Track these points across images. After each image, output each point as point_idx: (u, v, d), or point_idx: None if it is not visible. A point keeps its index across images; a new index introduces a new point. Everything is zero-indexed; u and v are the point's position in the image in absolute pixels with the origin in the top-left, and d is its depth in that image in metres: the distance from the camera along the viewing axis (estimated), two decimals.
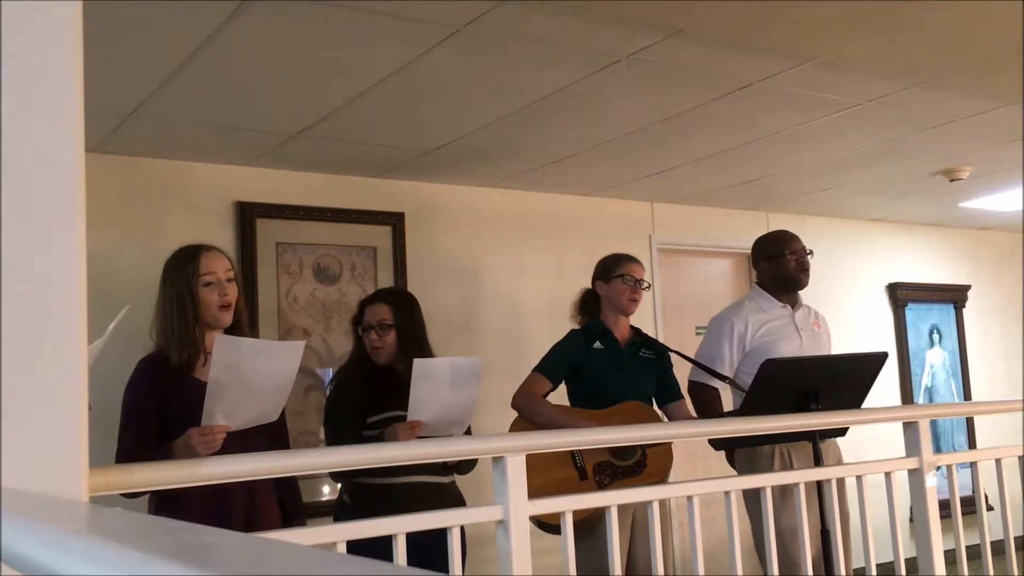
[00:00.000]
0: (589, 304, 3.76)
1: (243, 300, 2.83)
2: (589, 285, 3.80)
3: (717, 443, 3.51)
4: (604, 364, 3.58)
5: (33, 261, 1.07)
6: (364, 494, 3.09)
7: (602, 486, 3.42)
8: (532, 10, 2.73)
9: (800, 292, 3.88)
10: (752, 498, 3.25)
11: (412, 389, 2.70)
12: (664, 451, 3.56)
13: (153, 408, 2.62)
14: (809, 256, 3.81)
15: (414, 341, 3.18)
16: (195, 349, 2.66)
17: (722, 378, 3.59)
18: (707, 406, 3.72)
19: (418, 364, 2.71)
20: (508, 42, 2.98)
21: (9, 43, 1.08)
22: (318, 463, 2.12)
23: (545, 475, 3.18)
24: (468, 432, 3.23)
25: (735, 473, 3.69)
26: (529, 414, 3.49)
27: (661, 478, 3.55)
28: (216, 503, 2.57)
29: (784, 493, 3.27)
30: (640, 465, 3.51)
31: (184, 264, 2.70)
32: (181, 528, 0.73)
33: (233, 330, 2.75)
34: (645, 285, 3.70)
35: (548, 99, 3.57)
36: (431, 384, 2.72)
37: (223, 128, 3.78)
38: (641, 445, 3.50)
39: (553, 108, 3.67)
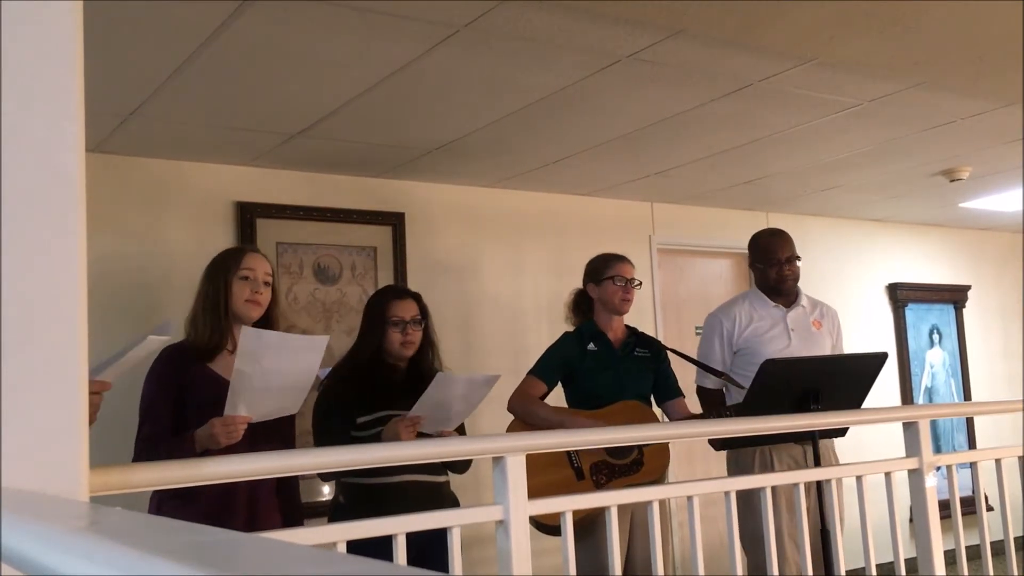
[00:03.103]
0: (582, 304, 3.75)
1: (278, 310, 2.89)
2: (577, 290, 3.80)
3: (717, 444, 3.51)
4: (598, 365, 3.58)
5: (33, 261, 1.07)
6: (358, 494, 3.08)
7: (599, 485, 3.42)
8: (532, 10, 2.73)
9: (804, 291, 3.89)
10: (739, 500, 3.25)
11: (426, 394, 2.72)
12: (661, 449, 3.56)
13: (172, 398, 2.68)
14: (797, 261, 3.80)
15: (433, 342, 3.25)
16: (221, 338, 2.73)
17: (717, 373, 3.59)
18: (710, 409, 3.74)
19: (440, 377, 2.74)
20: (508, 42, 2.98)
21: (9, 43, 1.08)
22: (317, 463, 2.12)
23: (542, 476, 3.18)
24: (462, 428, 3.24)
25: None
26: (525, 416, 3.48)
27: (658, 476, 3.55)
28: (220, 502, 2.60)
29: (749, 497, 3.17)
30: (637, 464, 3.50)
31: (227, 259, 2.81)
32: (181, 527, 0.73)
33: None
34: (637, 283, 3.68)
35: (548, 99, 3.57)
36: (445, 395, 2.75)
37: (223, 128, 3.78)
38: (638, 444, 3.50)
39: (553, 108, 3.67)
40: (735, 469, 3.67)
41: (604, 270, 3.66)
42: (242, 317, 2.78)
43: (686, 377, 3.92)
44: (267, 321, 2.83)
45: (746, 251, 4.03)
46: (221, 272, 2.78)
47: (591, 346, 3.61)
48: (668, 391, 3.72)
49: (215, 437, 2.42)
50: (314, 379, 2.45)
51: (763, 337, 3.72)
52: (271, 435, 2.66)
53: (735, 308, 3.83)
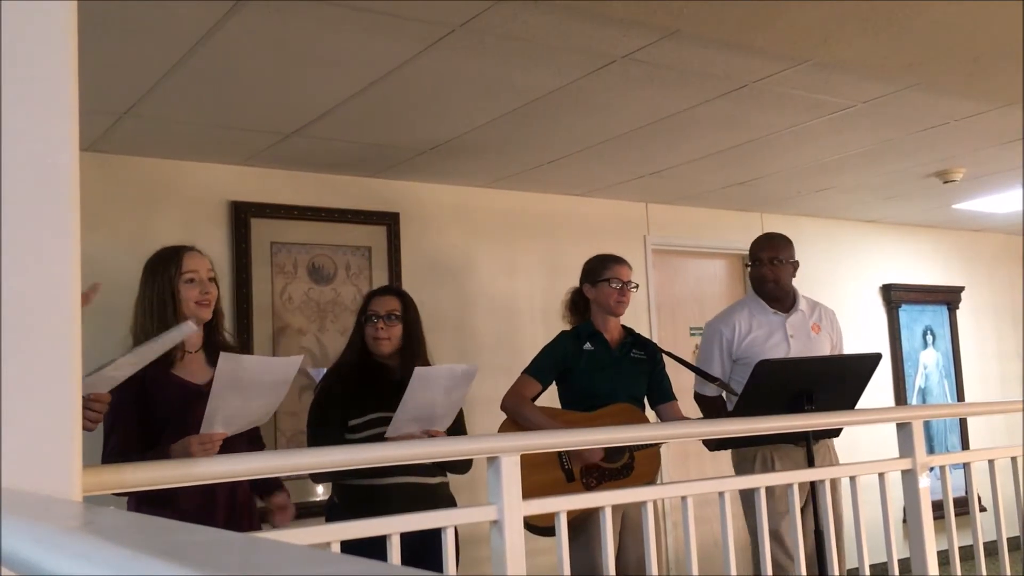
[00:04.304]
0: (579, 303, 3.75)
1: (221, 304, 2.88)
2: (573, 288, 3.80)
3: (712, 444, 3.52)
4: (594, 365, 3.57)
5: (27, 262, 1.07)
6: (353, 495, 3.08)
7: (589, 488, 3.42)
8: (528, 10, 2.73)
9: (802, 293, 3.89)
10: (744, 499, 3.27)
11: (407, 395, 2.70)
12: (652, 454, 3.56)
13: (136, 408, 2.64)
14: (782, 262, 3.77)
15: (417, 340, 3.20)
16: (175, 345, 2.67)
17: (712, 379, 3.59)
18: (709, 415, 3.75)
19: (419, 372, 2.71)
20: (503, 42, 2.98)
21: (3, 42, 1.07)
22: (311, 463, 2.12)
23: (532, 477, 3.18)
24: (462, 428, 3.23)
25: (730, 473, 3.72)
26: (516, 417, 3.49)
27: (648, 481, 3.55)
28: (199, 505, 2.59)
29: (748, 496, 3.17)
30: (628, 468, 3.50)
31: (166, 263, 2.74)
32: (175, 527, 0.73)
33: (211, 329, 2.81)
34: (633, 286, 3.68)
35: (543, 99, 3.57)
36: (427, 391, 2.74)
37: (217, 127, 3.78)
38: (629, 448, 3.50)
39: (548, 108, 3.68)
40: (739, 470, 3.69)
41: (600, 272, 3.65)
42: (194, 319, 2.72)
43: (680, 381, 3.92)
44: (213, 316, 2.81)
45: (741, 252, 4.04)
46: (163, 277, 2.72)
47: (587, 346, 3.60)
48: (662, 394, 3.71)
49: (192, 455, 2.39)
50: (285, 394, 2.45)
51: (763, 346, 3.71)
52: (239, 435, 2.66)
53: (734, 316, 3.82)
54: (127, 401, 2.62)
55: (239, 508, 2.74)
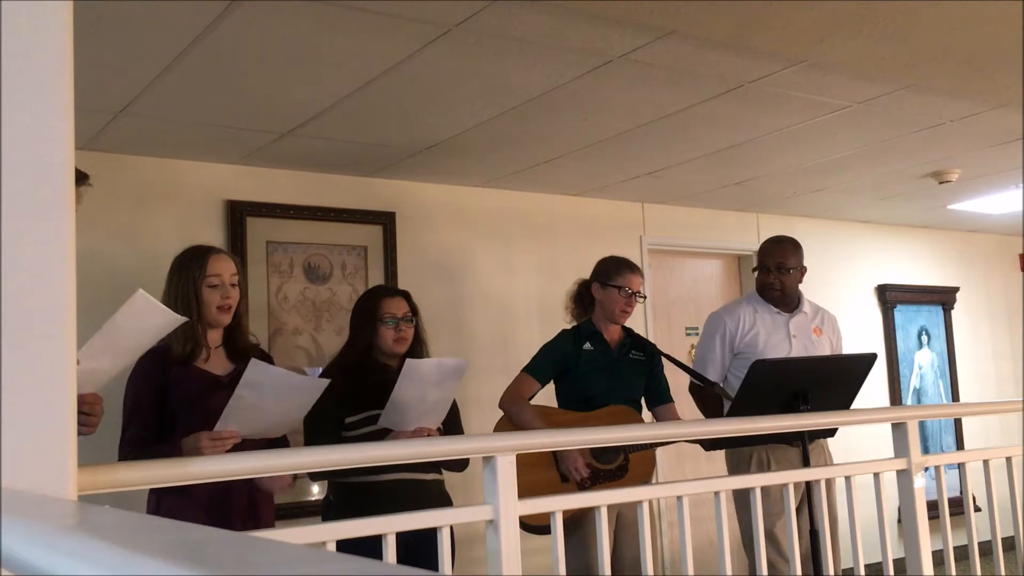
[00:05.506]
0: (584, 297, 3.74)
1: (245, 304, 2.94)
2: (581, 280, 3.79)
3: (707, 443, 3.52)
4: (593, 366, 3.57)
5: (21, 260, 1.06)
6: (348, 492, 3.08)
7: (583, 489, 3.42)
8: (524, 10, 2.73)
9: (806, 296, 3.89)
10: (737, 499, 3.28)
11: (396, 388, 2.73)
12: (647, 456, 3.56)
13: (155, 399, 2.71)
14: (791, 271, 3.78)
15: (423, 340, 3.27)
16: (197, 344, 2.76)
17: (709, 383, 3.57)
18: (706, 405, 3.75)
19: (409, 364, 2.73)
20: (500, 42, 2.98)
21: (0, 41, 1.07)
22: (309, 463, 2.12)
23: (527, 476, 3.17)
24: (459, 427, 3.24)
25: (725, 473, 3.72)
26: (511, 416, 3.49)
27: (642, 482, 3.55)
28: (218, 492, 2.65)
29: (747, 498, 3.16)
30: (622, 469, 3.50)
31: (192, 264, 2.81)
32: (170, 526, 0.73)
33: (233, 330, 2.86)
34: (641, 297, 3.68)
35: (539, 99, 3.57)
36: (417, 384, 2.76)
37: (213, 126, 3.77)
38: (624, 450, 3.50)
39: (544, 108, 3.68)
40: (734, 471, 3.69)
41: (614, 276, 3.63)
42: (215, 323, 2.81)
43: (677, 382, 3.92)
44: (234, 318, 2.86)
45: (737, 252, 4.05)
46: (188, 280, 2.78)
47: (587, 346, 3.60)
48: (659, 396, 3.72)
49: (201, 450, 2.44)
50: (305, 413, 2.54)
51: (766, 342, 3.71)
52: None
53: (739, 310, 3.83)
54: (145, 393, 2.71)
55: (259, 499, 2.80)
